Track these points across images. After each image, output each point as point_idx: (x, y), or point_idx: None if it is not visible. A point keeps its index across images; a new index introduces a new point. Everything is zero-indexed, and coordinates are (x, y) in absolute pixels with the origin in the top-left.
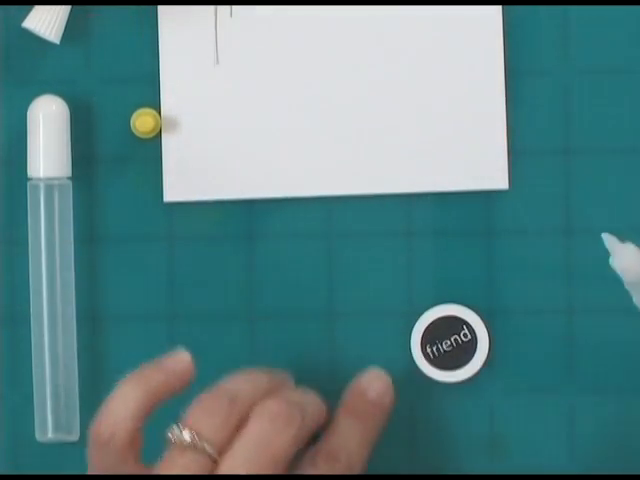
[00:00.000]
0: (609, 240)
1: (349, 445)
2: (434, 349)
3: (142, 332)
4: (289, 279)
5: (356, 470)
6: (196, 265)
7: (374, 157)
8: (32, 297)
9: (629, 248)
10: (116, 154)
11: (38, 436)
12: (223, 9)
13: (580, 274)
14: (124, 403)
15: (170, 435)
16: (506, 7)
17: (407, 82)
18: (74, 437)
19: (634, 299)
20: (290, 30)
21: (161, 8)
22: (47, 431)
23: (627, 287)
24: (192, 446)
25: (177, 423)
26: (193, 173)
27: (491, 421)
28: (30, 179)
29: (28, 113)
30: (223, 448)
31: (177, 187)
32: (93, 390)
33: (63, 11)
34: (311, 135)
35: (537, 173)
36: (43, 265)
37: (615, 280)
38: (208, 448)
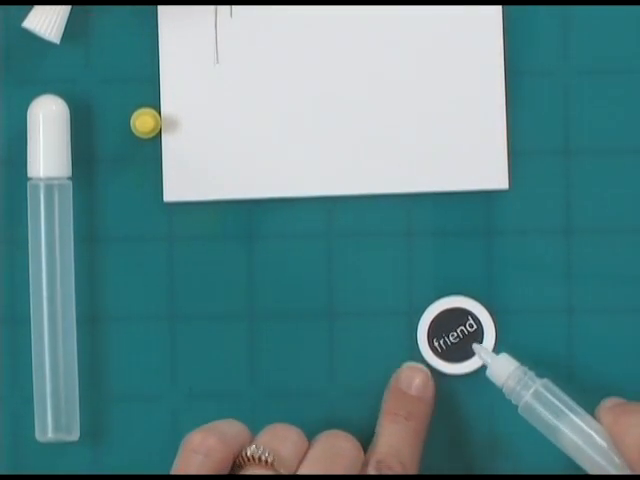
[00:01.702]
0: (483, 352)
1: (400, 449)
2: (441, 342)
3: (142, 332)
4: (289, 279)
5: (411, 472)
6: (196, 265)
7: (374, 157)
8: (32, 297)
9: (503, 358)
10: (116, 154)
11: (38, 436)
12: (223, 9)
13: (580, 274)
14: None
15: (249, 453)
16: (506, 7)
17: (407, 82)
18: (74, 437)
19: (512, 401)
20: (290, 30)
21: (161, 8)
22: (47, 431)
23: (507, 397)
24: (270, 464)
25: (255, 444)
26: (193, 173)
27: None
28: (30, 179)
29: (28, 113)
30: (294, 468)
31: (177, 187)
32: (93, 390)
33: (63, 11)
34: (311, 135)
35: (537, 173)
36: (43, 265)
37: (615, 280)
38: (284, 467)
